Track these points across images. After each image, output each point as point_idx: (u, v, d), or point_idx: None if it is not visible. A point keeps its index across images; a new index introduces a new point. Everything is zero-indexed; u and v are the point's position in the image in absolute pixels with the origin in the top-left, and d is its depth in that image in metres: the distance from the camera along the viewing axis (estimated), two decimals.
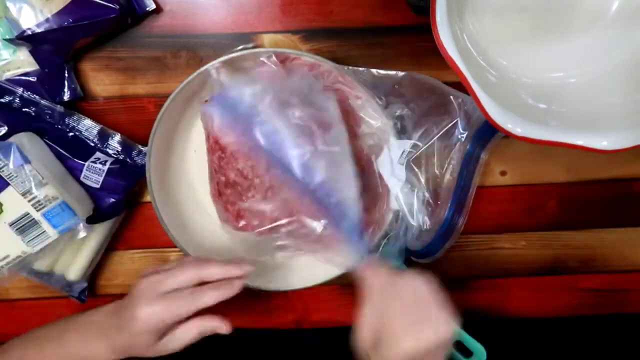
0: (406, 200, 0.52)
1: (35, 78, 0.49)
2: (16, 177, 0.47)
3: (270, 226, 0.48)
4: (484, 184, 0.58)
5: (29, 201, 0.47)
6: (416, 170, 0.53)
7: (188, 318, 0.43)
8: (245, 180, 0.48)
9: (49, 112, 0.50)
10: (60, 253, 0.54)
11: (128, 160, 0.53)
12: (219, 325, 0.43)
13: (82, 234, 0.50)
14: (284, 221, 0.47)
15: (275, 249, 0.50)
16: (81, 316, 0.47)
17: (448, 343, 0.41)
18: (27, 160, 0.47)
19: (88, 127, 0.52)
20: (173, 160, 0.54)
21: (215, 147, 0.48)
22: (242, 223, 0.50)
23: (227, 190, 0.50)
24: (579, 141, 0.44)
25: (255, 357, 0.61)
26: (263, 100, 0.46)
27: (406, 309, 0.42)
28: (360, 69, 0.51)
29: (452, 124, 0.52)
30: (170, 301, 0.42)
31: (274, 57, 0.49)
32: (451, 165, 0.54)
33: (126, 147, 0.53)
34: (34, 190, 0.47)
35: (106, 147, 0.52)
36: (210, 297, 0.43)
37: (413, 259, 0.56)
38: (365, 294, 0.44)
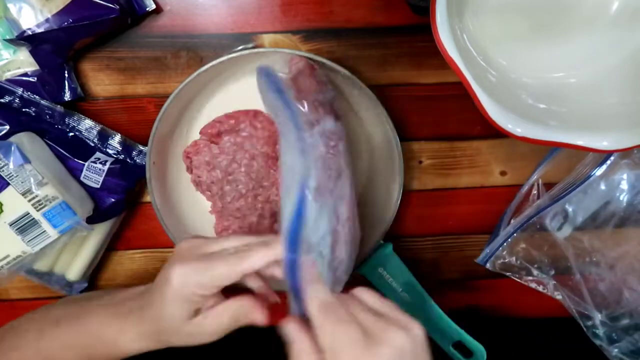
0: None
1: (35, 78, 0.49)
2: (16, 176, 0.47)
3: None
4: (484, 184, 0.58)
5: (29, 201, 0.47)
6: None
7: (227, 297, 0.37)
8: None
9: (49, 112, 0.50)
10: (60, 253, 0.54)
11: (128, 160, 0.53)
12: (255, 310, 0.37)
13: (82, 234, 0.50)
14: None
15: None
16: (106, 294, 0.41)
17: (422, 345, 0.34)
18: (27, 160, 0.47)
19: (88, 127, 0.52)
20: (173, 160, 0.54)
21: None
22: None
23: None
24: (579, 141, 0.44)
25: (254, 357, 0.61)
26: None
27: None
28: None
29: None
30: (209, 261, 0.36)
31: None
32: None
33: (126, 147, 0.53)
34: (34, 189, 0.47)
35: (106, 147, 0.52)
36: (259, 255, 0.36)
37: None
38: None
